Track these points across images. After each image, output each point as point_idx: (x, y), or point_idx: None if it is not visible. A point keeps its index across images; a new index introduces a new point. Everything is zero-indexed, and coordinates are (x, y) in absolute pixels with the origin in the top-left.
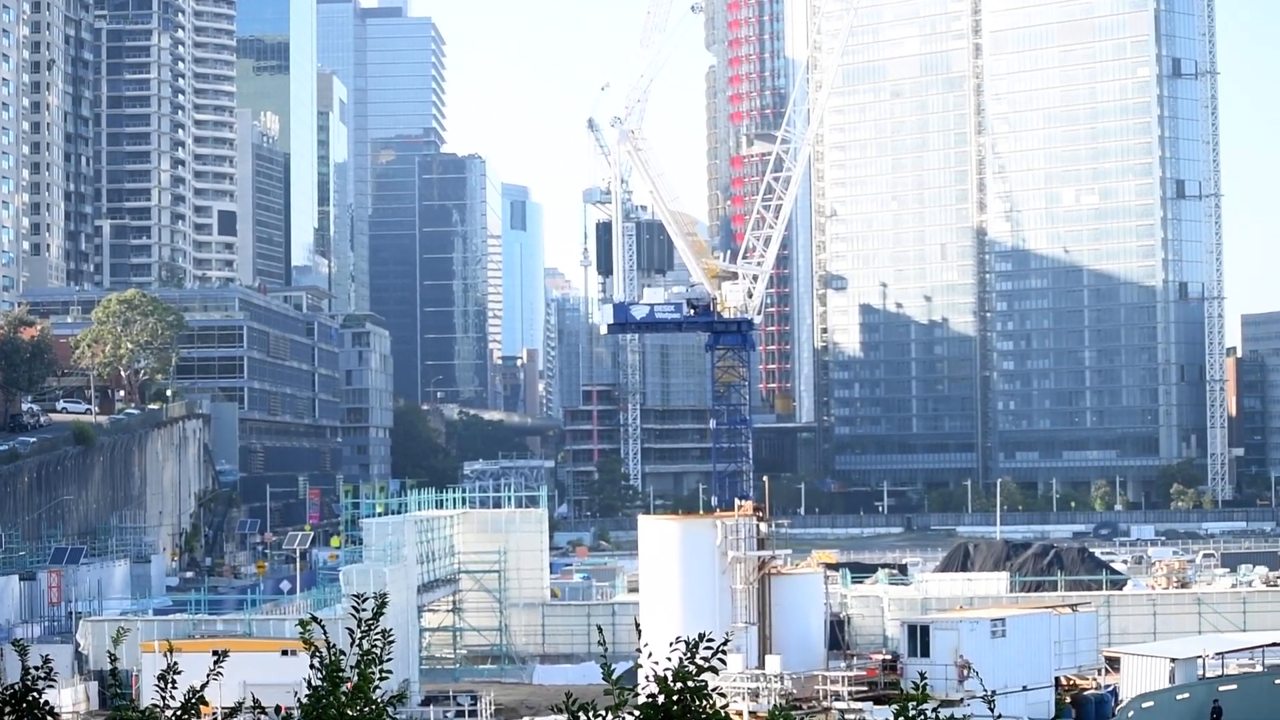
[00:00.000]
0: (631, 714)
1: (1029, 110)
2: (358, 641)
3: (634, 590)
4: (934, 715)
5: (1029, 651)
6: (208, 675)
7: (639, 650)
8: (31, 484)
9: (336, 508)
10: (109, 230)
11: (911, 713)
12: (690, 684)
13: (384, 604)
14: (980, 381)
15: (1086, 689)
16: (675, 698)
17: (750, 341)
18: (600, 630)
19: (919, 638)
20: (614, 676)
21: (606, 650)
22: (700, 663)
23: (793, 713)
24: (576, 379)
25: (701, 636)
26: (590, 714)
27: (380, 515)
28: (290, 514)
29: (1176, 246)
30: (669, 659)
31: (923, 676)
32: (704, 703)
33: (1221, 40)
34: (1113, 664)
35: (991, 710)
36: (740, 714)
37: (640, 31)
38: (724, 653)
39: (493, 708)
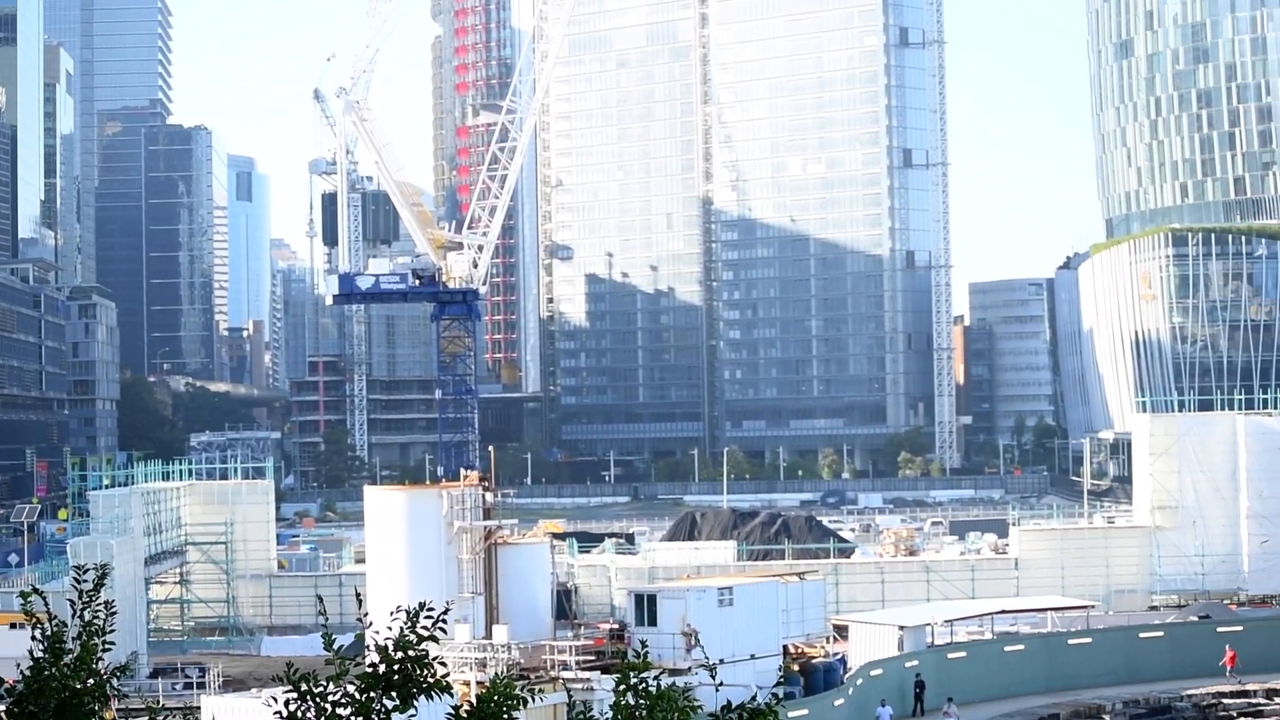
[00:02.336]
0: (353, 684)
1: (755, 80)
2: (79, 613)
3: (361, 561)
4: (655, 683)
5: (757, 620)
6: None
7: (359, 620)
8: None
9: (64, 480)
10: None
11: (633, 681)
12: (411, 653)
13: (105, 575)
14: (706, 351)
15: (815, 657)
16: (396, 667)
17: (476, 311)
18: (320, 600)
19: (646, 607)
20: (337, 646)
21: (327, 620)
22: (421, 632)
23: (517, 682)
24: (303, 350)
25: (422, 605)
26: (311, 684)
27: (107, 487)
28: (18, 487)
29: (903, 215)
30: (389, 628)
31: (644, 645)
32: (425, 672)
33: (949, 9)
34: (841, 632)
35: (713, 678)
36: (468, 684)
37: (366, 2)
38: (444, 621)
39: (221, 679)
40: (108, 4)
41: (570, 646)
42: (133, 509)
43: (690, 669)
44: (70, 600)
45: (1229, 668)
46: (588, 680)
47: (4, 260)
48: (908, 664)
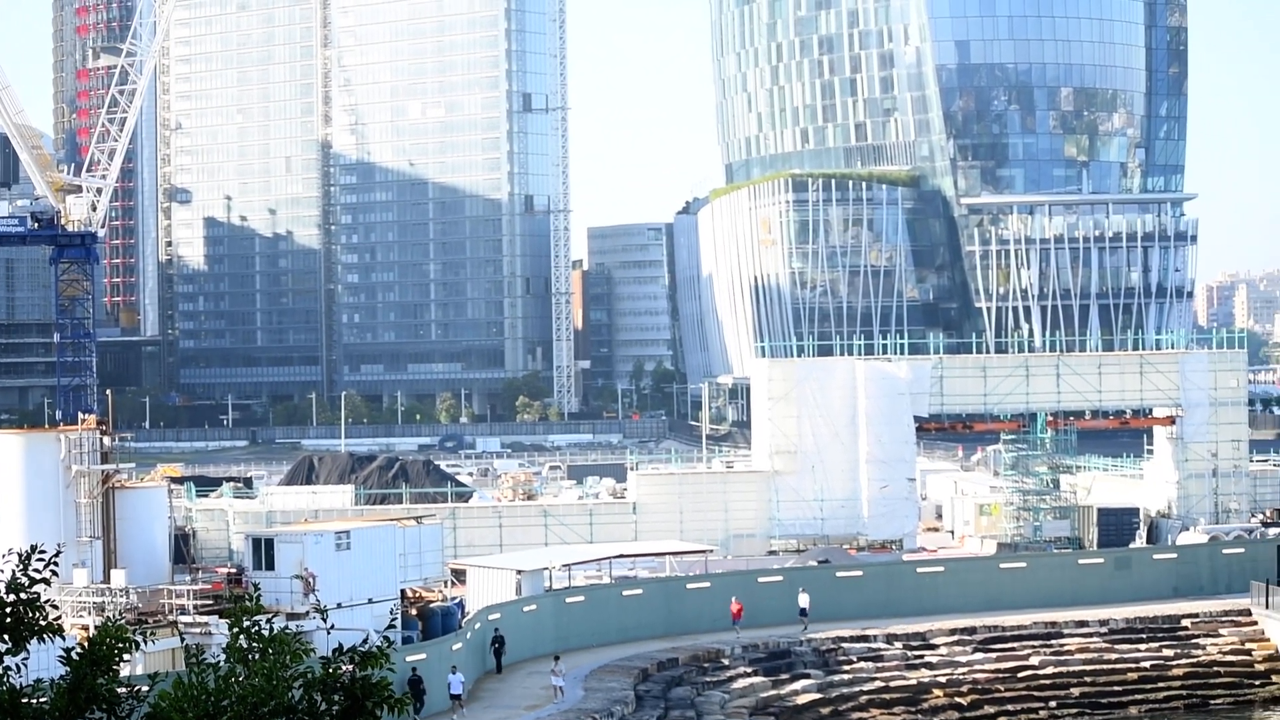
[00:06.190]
0: None
1: (375, 23)
2: None
3: None
4: (268, 626)
5: (374, 564)
6: None
7: None
8: None
9: None
10: None
11: (246, 625)
12: (23, 596)
13: None
14: (325, 294)
15: (433, 601)
16: (8, 610)
17: (94, 255)
18: None
19: (264, 551)
20: None
21: None
22: (33, 574)
23: (129, 626)
24: None
25: (33, 549)
26: None
27: None
28: None
29: (523, 159)
30: (1, 572)
31: (256, 588)
32: (37, 614)
33: None
34: (459, 576)
35: (324, 621)
36: (87, 629)
37: None
38: (56, 564)
39: None
40: None
41: (188, 590)
42: None
43: (308, 613)
44: None
45: (736, 620)
46: (205, 624)
47: None
48: (526, 608)
